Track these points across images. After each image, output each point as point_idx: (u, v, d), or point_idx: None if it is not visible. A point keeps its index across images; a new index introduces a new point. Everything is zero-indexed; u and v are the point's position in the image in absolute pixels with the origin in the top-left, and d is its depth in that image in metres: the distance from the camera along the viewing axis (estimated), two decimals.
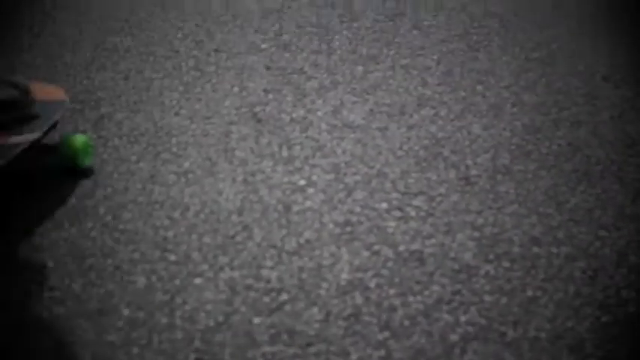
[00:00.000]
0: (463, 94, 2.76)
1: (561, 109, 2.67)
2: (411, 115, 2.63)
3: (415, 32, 3.17)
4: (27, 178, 2.20)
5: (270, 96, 2.74)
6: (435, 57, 2.99)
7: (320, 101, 2.71)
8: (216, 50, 3.02)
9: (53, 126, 2.13)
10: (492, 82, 2.83)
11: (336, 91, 2.77)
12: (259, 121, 2.59)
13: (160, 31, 3.15)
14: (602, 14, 3.34)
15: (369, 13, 3.31)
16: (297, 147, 2.46)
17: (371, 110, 2.66)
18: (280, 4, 3.38)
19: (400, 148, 2.45)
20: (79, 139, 2.24)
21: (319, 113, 2.64)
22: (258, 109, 2.66)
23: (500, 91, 2.77)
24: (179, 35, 3.12)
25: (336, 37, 3.13)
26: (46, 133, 2.07)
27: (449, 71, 2.90)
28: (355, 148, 2.45)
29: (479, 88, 2.80)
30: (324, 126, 2.57)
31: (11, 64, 2.91)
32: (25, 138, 1.94)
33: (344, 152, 2.44)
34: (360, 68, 2.91)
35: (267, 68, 2.91)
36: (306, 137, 2.51)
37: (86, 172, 2.27)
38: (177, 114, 2.62)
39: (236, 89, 2.77)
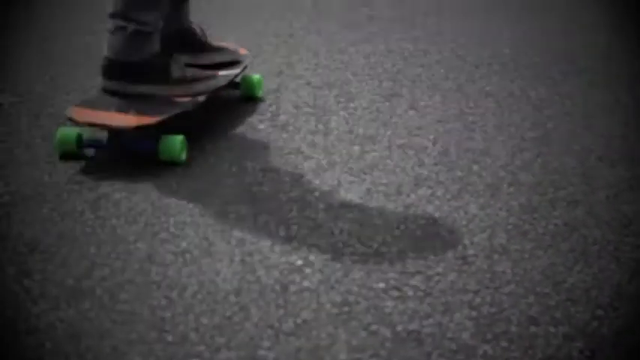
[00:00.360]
0: (459, 173, 2.77)
1: (557, 188, 2.69)
2: (408, 195, 2.64)
3: (411, 112, 3.20)
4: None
5: (268, 176, 2.75)
6: (432, 137, 3.01)
7: (317, 181, 2.72)
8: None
9: (243, 69, 3.13)
10: (489, 162, 2.85)
11: (333, 171, 2.78)
12: (257, 201, 2.60)
13: None
14: (597, 95, 3.37)
15: (366, 94, 3.35)
16: (295, 227, 2.47)
17: (368, 190, 2.67)
18: (278, 84, 3.41)
19: (397, 228, 2.46)
20: (255, 77, 3.23)
21: (316, 193, 2.65)
22: (255, 188, 2.67)
23: (496, 171, 2.79)
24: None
25: (333, 117, 3.16)
26: (240, 72, 3.10)
27: (445, 151, 2.92)
28: (352, 228, 2.46)
29: (475, 167, 2.81)
30: (321, 206, 2.58)
31: (9, 149, 2.93)
32: (232, 72, 3.05)
33: (341, 232, 2.44)
34: (356, 148, 2.93)
35: (265, 148, 2.92)
36: (304, 217, 2.52)
37: (257, 99, 3.28)
38: (175, 194, 2.63)
39: (234, 169, 2.78)
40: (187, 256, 2.32)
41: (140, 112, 2.64)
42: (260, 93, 3.24)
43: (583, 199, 2.63)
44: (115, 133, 2.71)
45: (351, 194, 2.65)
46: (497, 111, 3.21)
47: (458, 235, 2.43)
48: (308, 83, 3.44)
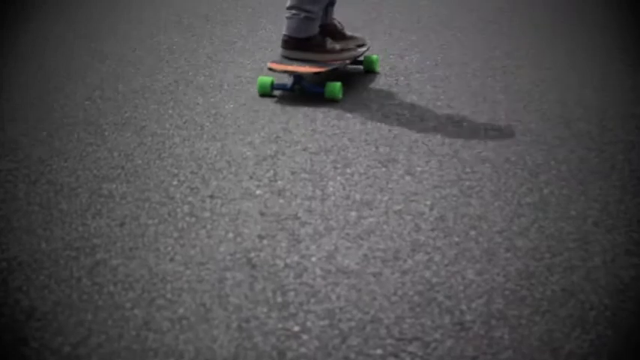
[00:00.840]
0: (456, 239, 2.78)
1: (554, 254, 2.69)
2: (405, 261, 2.64)
3: (408, 178, 3.21)
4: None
5: (265, 242, 2.75)
6: (428, 202, 3.02)
7: (314, 247, 2.72)
8: (211, 197, 3.05)
9: (367, 49, 4.23)
10: (485, 228, 2.85)
11: (330, 237, 2.78)
12: (254, 267, 2.60)
13: (155, 178, 3.18)
14: (593, 160, 3.39)
15: (362, 160, 3.36)
16: (292, 293, 2.47)
17: (365, 255, 2.67)
18: (274, 150, 3.43)
19: (394, 294, 2.46)
20: (374, 56, 4.32)
21: (313, 259, 2.65)
22: (252, 254, 2.67)
23: (493, 237, 2.79)
24: (174, 182, 3.16)
25: (330, 183, 3.17)
26: (365, 51, 4.20)
27: (442, 217, 2.92)
28: (349, 294, 2.46)
29: (472, 233, 2.82)
30: (318, 271, 2.58)
31: (5, 216, 2.93)
32: (361, 50, 4.18)
33: (338, 298, 2.44)
34: (353, 214, 2.94)
35: (262, 214, 2.93)
36: (301, 283, 2.52)
37: (376, 73, 4.33)
38: (172, 260, 2.63)
39: (231, 235, 2.79)
40: (184, 322, 2.31)
41: (312, 67, 3.91)
42: (378, 68, 4.36)
43: (580, 264, 2.63)
44: (298, 78, 3.94)
45: (348, 260, 2.65)
46: (493, 176, 3.23)
47: (455, 301, 2.42)
48: (305, 149, 3.45)
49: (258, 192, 3.09)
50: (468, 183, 3.17)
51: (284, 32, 3.94)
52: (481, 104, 3.95)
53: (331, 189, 3.12)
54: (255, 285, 2.50)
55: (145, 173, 3.22)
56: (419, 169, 3.29)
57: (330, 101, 3.94)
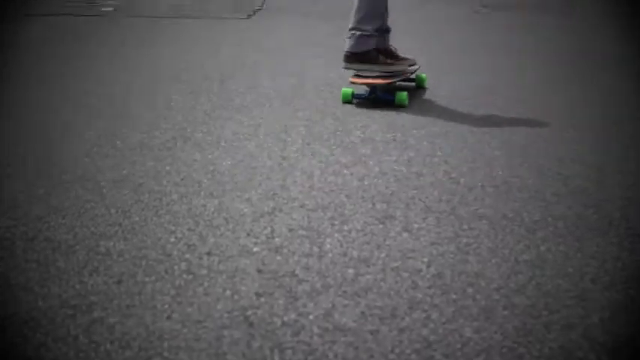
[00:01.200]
0: (454, 296, 2.77)
1: (552, 311, 2.68)
2: (403, 318, 2.64)
3: (405, 235, 3.21)
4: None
5: (262, 299, 2.75)
6: (426, 260, 3.02)
7: (311, 304, 2.72)
8: (208, 254, 3.05)
9: (418, 68, 5.06)
10: (483, 285, 2.85)
11: (328, 294, 2.78)
12: (251, 325, 2.60)
13: (152, 235, 3.18)
14: (590, 216, 3.39)
15: (360, 216, 3.36)
16: (289, 351, 2.46)
17: (362, 313, 2.67)
18: (272, 207, 3.43)
19: (392, 352, 2.45)
20: (423, 75, 5.12)
21: (311, 317, 2.65)
22: (249, 312, 2.67)
23: (491, 294, 2.79)
24: (172, 239, 3.16)
25: (328, 240, 3.17)
26: (416, 70, 5.04)
27: (439, 274, 2.92)
28: (347, 352, 2.45)
29: (470, 290, 2.81)
30: (315, 330, 2.57)
31: (3, 273, 2.93)
32: (414, 68, 4.95)
33: (336, 356, 2.43)
34: (351, 271, 2.94)
35: (259, 271, 2.93)
36: (298, 341, 2.51)
37: (424, 88, 5.12)
38: (169, 318, 2.63)
39: (228, 293, 2.78)
40: None
41: (384, 79, 4.74)
42: (426, 85, 5.14)
43: (578, 322, 2.62)
44: (373, 89, 4.77)
45: (346, 318, 2.64)
46: (490, 233, 3.23)
47: (453, 359, 2.42)
48: (302, 205, 3.46)
49: (255, 249, 3.09)
50: (465, 240, 3.18)
51: (345, 49, 4.78)
52: (478, 160, 3.96)
53: (328, 246, 3.12)
54: (253, 343, 2.49)
55: (142, 230, 3.22)
56: (416, 225, 3.29)
57: (327, 158, 3.96)
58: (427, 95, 5.01)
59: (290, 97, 4.94)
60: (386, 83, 4.72)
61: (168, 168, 3.82)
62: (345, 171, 3.81)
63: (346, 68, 4.81)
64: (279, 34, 6.70)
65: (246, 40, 6.43)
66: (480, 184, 3.69)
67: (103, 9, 7.63)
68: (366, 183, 3.69)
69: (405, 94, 4.72)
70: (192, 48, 6.13)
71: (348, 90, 4.81)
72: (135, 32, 6.71)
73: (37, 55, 5.91)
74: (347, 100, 4.78)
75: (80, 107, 4.66)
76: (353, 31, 4.73)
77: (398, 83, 5.03)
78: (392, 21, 4.91)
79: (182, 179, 3.70)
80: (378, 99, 4.76)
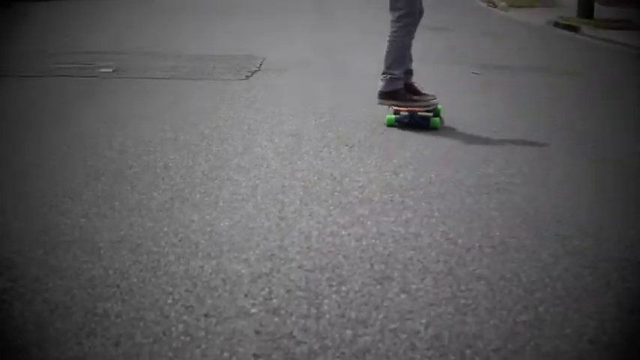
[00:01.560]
0: (452, 358, 2.77)
1: None
2: None
3: (403, 296, 3.21)
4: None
5: None
6: (424, 321, 3.02)
7: None
8: (206, 315, 3.05)
9: (436, 101, 5.92)
10: (481, 346, 2.84)
11: (326, 356, 2.77)
12: None
13: (150, 297, 3.18)
14: (587, 277, 3.39)
15: (357, 277, 3.36)
16: None
17: None
18: (270, 268, 3.43)
19: None
20: (440, 106, 5.85)
21: None
22: None
23: (489, 355, 2.78)
24: (169, 300, 3.15)
25: (325, 301, 3.17)
26: (435, 103, 5.90)
27: (438, 335, 2.91)
28: None
29: (468, 352, 2.81)
30: None
31: (1, 334, 2.92)
32: (434, 101, 5.86)
33: None
34: (349, 332, 2.93)
35: (257, 333, 2.92)
36: None
37: (441, 117, 5.84)
38: None
39: (226, 355, 2.78)
40: None
41: (420, 107, 5.80)
42: (443, 114, 5.92)
43: None
44: (411, 114, 5.73)
45: None
46: (488, 294, 3.23)
47: None
48: (300, 266, 3.46)
49: (253, 310, 3.09)
50: (463, 301, 3.17)
51: (378, 89, 5.85)
52: (475, 221, 3.97)
53: (326, 307, 3.12)
54: None
55: (140, 292, 3.22)
56: (414, 286, 3.29)
57: (324, 218, 3.96)
58: (425, 155, 5.03)
59: (288, 157, 4.96)
60: (422, 111, 5.79)
61: (166, 229, 3.82)
62: (343, 232, 3.82)
63: (380, 104, 5.87)
64: (277, 95, 6.74)
65: (244, 101, 6.47)
66: (477, 244, 3.70)
67: (102, 70, 7.68)
68: (364, 244, 3.69)
69: (437, 119, 5.76)
70: (190, 108, 6.16)
71: (391, 116, 5.80)
72: (132, 92, 6.75)
73: (35, 115, 5.94)
74: (390, 124, 5.75)
75: (78, 168, 4.67)
76: (384, 75, 5.82)
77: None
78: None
79: (180, 240, 3.70)
80: (416, 123, 5.71)
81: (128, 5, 13.73)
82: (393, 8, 5.78)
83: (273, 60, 8.42)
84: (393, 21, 5.80)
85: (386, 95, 5.81)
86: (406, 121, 5.71)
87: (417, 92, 5.87)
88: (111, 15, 12.48)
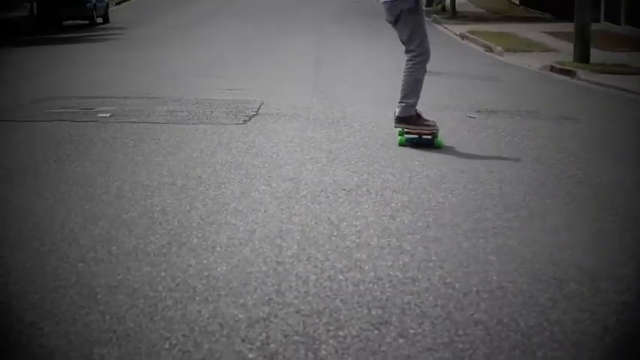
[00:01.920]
0: None
1: None
2: None
3: (401, 341, 3.20)
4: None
5: None
6: None
7: None
8: None
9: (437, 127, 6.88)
10: None
11: None
12: None
13: (147, 342, 3.17)
14: (586, 321, 3.39)
15: (355, 322, 3.35)
16: None
17: None
18: (267, 313, 3.42)
19: None
20: (439, 131, 6.79)
21: None
22: None
23: None
24: (166, 345, 3.14)
25: (323, 346, 3.16)
26: (437, 129, 6.84)
27: None
28: None
29: None
30: None
31: None
32: (436, 128, 6.80)
33: None
34: None
35: None
36: None
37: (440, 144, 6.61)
38: None
39: None
40: None
41: (427, 130, 6.71)
42: (442, 140, 6.75)
43: None
44: (420, 136, 6.67)
45: None
46: (486, 339, 3.22)
47: None
48: (297, 311, 3.45)
49: (250, 355, 3.08)
50: (460, 346, 3.16)
51: (395, 115, 6.72)
52: (473, 265, 3.96)
53: (324, 352, 3.11)
54: None
55: (136, 337, 3.21)
56: (412, 331, 3.28)
57: (322, 263, 3.96)
58: (422, 199, 5.03)
59: (285, 202, 4.96)
60: (428, 133, 6.69)
61: (163, 274, 3.82)
62: (341, 276, 3.81)
63: (396, 127, 6.76)
64: (275, 139, 6.76)
65: (241, 145, 6.48)
66: (475, 289, 3.69)
67: (100, 115, 7.70)
68: (361, 288, 3.68)
69: (441, 140, 6.71)
70: (188, 152, 6.17)
71: (402, 137, 6.71)
72: (129, 137, 6.76)
73: (33, 160, 5.95)
74: (402, 144, 6.66)
75: (76, 212, 4.67)
76: (401, 102, 6.70)
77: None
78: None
79: (177, 285, 3.70)
80: (423, 142, 6.64)
81: (113, 48, 13.78)
82: (407, 51, 6.76)
83: (271, 103, 8.45)
84: (407, 60, 6.76)
85: (401, 120, 6.71)
86: (415, 141, 6.69)
87: (420, 117, 6.76)
88: (98, 57, 12.52)
